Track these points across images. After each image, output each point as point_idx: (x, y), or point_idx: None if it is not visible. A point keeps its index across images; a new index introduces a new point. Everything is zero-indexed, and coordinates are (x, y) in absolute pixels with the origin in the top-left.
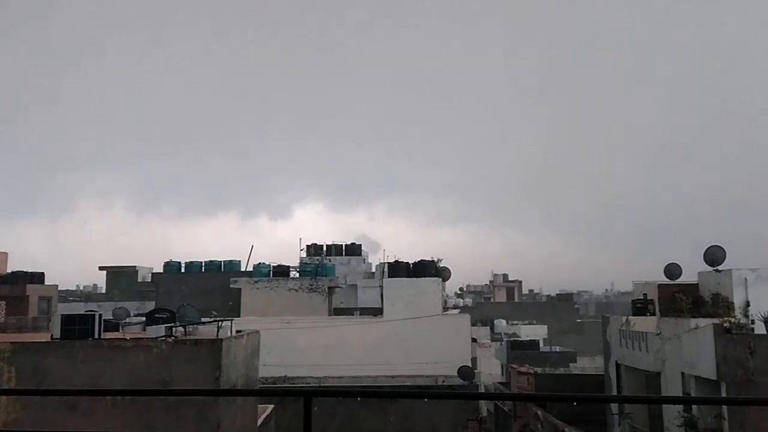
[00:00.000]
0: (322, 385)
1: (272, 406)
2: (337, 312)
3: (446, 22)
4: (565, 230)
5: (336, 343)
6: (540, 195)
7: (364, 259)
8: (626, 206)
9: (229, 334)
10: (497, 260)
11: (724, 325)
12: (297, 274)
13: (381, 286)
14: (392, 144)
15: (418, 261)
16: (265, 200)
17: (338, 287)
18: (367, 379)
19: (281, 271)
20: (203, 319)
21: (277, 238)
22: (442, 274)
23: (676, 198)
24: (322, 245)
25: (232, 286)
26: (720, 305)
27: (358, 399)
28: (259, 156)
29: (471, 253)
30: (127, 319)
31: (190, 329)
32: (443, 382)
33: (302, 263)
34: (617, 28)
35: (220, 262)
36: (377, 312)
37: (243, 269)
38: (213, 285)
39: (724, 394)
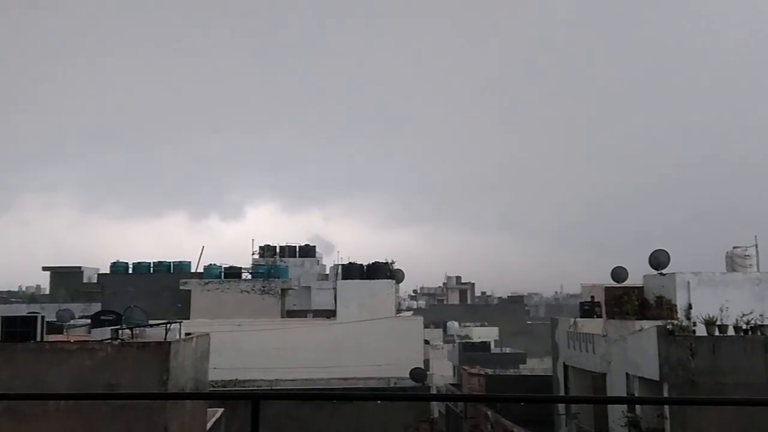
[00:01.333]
0: (273, 388)
1: (222, 409)
2: (290, 314)
3: (402, 20)
4: (518, 233)
5: (289, 345)
6: (494, 198)
7: (318, 261)
8: (577, 210)
9: (177, 336)
10: (451, 262)
11: (667, 327)
12: (249, 276)
13: (335, 288)
14: (348, 144)
15: (372, 263)
16: (215, 200)
17: (291, 289)
18: (320, 382)
19: (233, 273)
20: (151, 322)
21: (228, 238)
22: (396, 276)
23: (625, 203)
24: (275, 246)
25: (181, 287)
26: (664, 308)
27: (311, 401)
28: (210, 154)
29: (425, 255)
30: (72, 321)
31: (137, 332)
32: (395, 384)
33: (255, 264)
34: (570, 31)
35: (170, 263)
36: (331, 314)
37: (193, 270)
38: (162, 286)
39: (666, 395)
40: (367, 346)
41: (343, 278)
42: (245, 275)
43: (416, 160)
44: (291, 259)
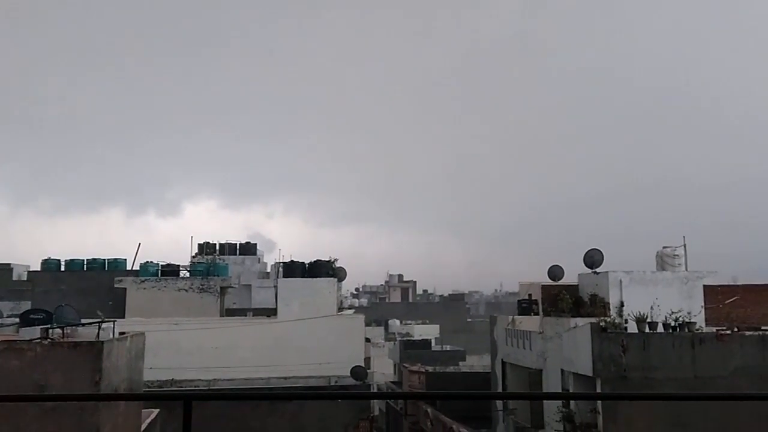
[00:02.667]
0: (211, 387)
1: (157, 410)
2: (230, 313)
3: (345, 17)
4: (460, 232)
5: (228, 344)
6: (436, 197)
7: (259, 259)
8: (517, 210)
9: (111, 336)
10: (393, 261)
11: (601, 324)
12: (187, 274)
13: (276, 287)
14: (290, 141)
15: (314, 261)
16: (153, 196)
17: (231, 287)
18: (259, 381)
19: (170, 271)
20: (83, 321)
21: (166, 235)
22: (338, 274)
23: (562, 203)
24: (215, 244)
25: (116, 285)
26: (597, 305)
27: (251, 401)
28: (148, 149)
29: (367, 253)
30: (0, 320)
31: (69, 331)
32: (336, 382)
33: (193, 262)
34: (515, 32)
35: (104, 260)
36: (271, 312)
37: (129, 268)
38: (95, 284)
39: (599, 390)
40: (308, 345)
41: (285, 276)
42: (183, 273)
43: (359, 158)
44: (231, 256)
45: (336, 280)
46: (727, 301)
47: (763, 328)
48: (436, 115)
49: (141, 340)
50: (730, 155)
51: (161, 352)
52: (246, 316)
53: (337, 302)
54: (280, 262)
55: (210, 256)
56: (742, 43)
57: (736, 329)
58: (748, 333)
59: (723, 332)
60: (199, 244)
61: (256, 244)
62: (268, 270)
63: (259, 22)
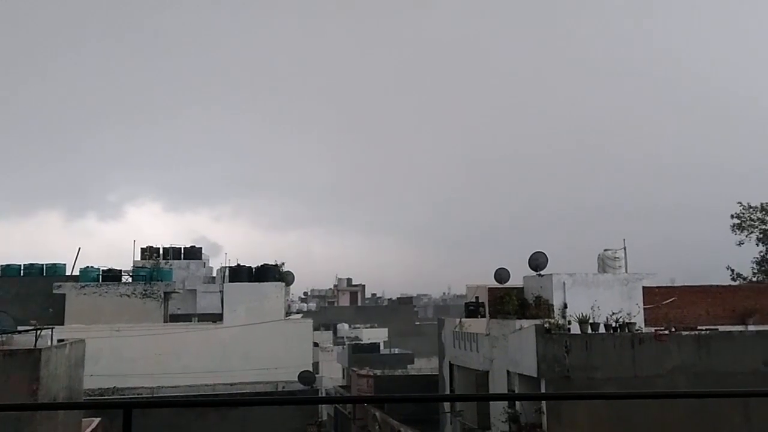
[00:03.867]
0: (155, 395)
1: (98, 419)
2: (174, 318)
3: (293, 21)
4: (409, 235)
5: (172, 351)
6: (386, 200)
7: (205, 263)
8: (465, 213)
9: (49, 343)
10: (342, 265)
11: (545, 325)
12: (130, 279)
13: (221, 291)
14: (238, 143)
15: (261, 265)
16: (93, 199)
17: (175, 292)
18: (204, 388)
19: (112, 276)
20: (20, 328)
21: (107, 239)
22: (286, 278)
23: (508, 206)
24: (158, 248)
25: (55, 291)
26: (542, 307)
27: (196, 408)
28: (86, 150)
29: (316, 257)
30: None
31: (4, 339)
32: (284, 387)
33: (136, 267)
34: (438, 39)
35: (42, 265)
36: (217, 318)
37: (68, 273)
38: (33, 290)
39: (543, 390)
40: (255, 350)
41: (231, 281)
42: (125, 278)
43: (307, 161)
44: (175, 261)
45: (283, 284)
46: (664, 302)
47: (699, 328)
48: (381, 117)
49: (81, 348)
50: (671, 158)
51: (103, 359)
52: (191, 321)
53: (285, 307)
54: (226, 267)
55: (153, 261)
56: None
57: (673, 329)
58: (684, 333)
59: (661, 332)
60: (142, 249)
61: (201, 248)
62: (214, 275)
63: (203, 19)
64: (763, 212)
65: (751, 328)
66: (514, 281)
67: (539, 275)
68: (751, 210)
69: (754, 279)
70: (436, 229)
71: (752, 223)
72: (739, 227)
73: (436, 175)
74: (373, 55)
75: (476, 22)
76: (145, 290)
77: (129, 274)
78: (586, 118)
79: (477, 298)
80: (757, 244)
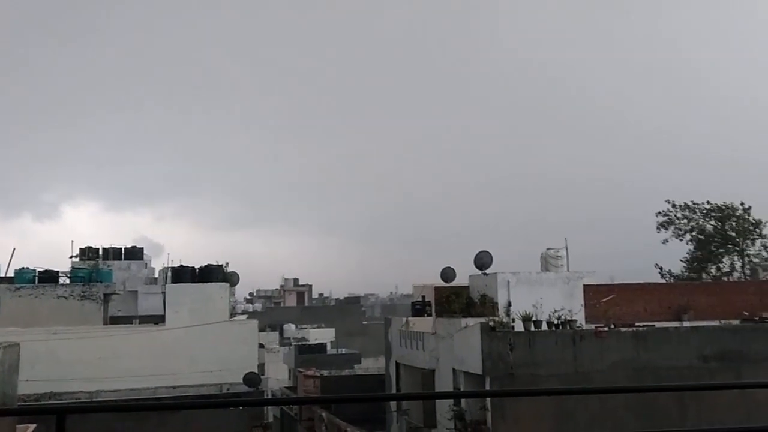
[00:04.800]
0: (94, 399)
1: (34, 425)
2: (115, 321)
3: (238, 19)
4: (356, 235)
5: (112, 354)
6: (332, 199)
7: (147, 264)
8: (412, 213)
9: None
10: (288, 265)
11: (490, 323)
12: (67, 280)
13: (164, 293)
14: (178, 143)
15: (205, 265)
16: (28, 198)
17: (116, 294)
18: (146, 391)
19: (48, 277)
20: None
21: (44, 240)
22: (231, 279)
23: (455, 205)
24: (97, 248)
25: None
26: (487, 305)
27: (137, 413)
28: (19, 147)
29: (262, 257)
30: None
31: None
32: (228, 389)
33: (74, 268)
34: (400, 36)
35: None
36: (159, 320)
37: (2, 275)
38: None
39: (488, 388)
40: (199, 352)
41: (174, 282)
42: (63, 280)
43: (253, 160)
44: (116, 261)
45: (228, 285)
46: (604, 300)
47: (636, 324)
48: (327, 115)
49: (15, 352)
50: (610, 160)
51: (39, 363)
52: (132, 323)
53: (230, 308)
54: (168, 267)
55: (92, 262)
56: (618, 48)
57: (612, 326)
58: (623, 329)
59: (601, 329)
60: (80, 249)
61: (142, 248)
62: (156, 275)
63: (142, 14)
64: (689, 211)
65: (686, 324)
66: (460, 280)
67: (484, 274)
68: (676, 209)
69: (684, 277)
70: (383, 228)
71: (678, 221)
72: (664, 225)
73: (382, 175)
74: (318, 52)
75: (425, 24)
76: (83, 292)
77: (67, 276)
78: (525, 119)
79: (423, 297)
80: (688, 243)
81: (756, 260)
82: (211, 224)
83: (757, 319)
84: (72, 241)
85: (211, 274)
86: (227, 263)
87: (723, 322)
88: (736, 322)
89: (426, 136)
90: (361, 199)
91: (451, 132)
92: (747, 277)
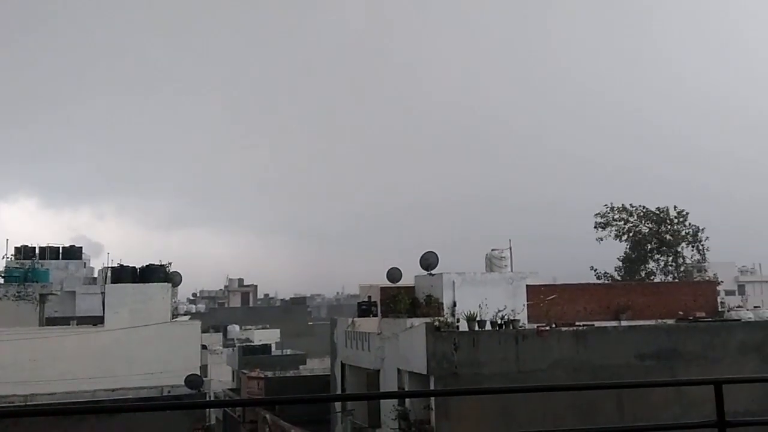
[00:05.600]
0: (29, 403)
1: None
2: (51, 322)
3: (162, 10)
4: (303, 235)
5: (48, 356)
6: (280, 199)
7: (85, 264)
8: (358, 213)
9: None
10: (234, 265)
11: (435, 324)
12: (1, 281)
13: (103, 293)
14: (120, 140)
15: (147, 265)
16: None
17: (52, 294)
18: (84, 394)
19: None
20: None
21: None
22: (173, 279)
23: (402, 207)
24: (34, 247)
25: None
26: (432, 306)
27: (73, 416)
28: None
29: (206, 257)
30: None
31: None
32: (169, 392)
33: (9, 267)
34: (351, 34)
35: None
36: (98, 321)
37: None
38: None
39: (432, 387)
40: (139, 354)
41: (113, 282)
42: None
43: (197, 159)
44: (53, 261)
45: (170, 285)
46: (546, 300)
47: (577, 323)
48: (273, 112)
49: None
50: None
51: None
52: (69, 325)
53: (172, 308)
54: (108, 267)
55: (28, 261)
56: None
57: (554, 325)
58: (564, 329)
59: (543, 328)
60: (15, 248)
61: (81, 247)
62: (96, 275)
63: (80, 11)
64: (626, 213)
65: (624, 323)
66: (406, 280)
67: (430, 275)
68: (614, 210)
69: (619, 277)
70: (330, 228)
71: (615, 222)
72: (602, 225)
73: (328, 174)
74: (257, 49)
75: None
76: (18, 292)
77: (1, 275)
78: (472, 122)
79: (370, 297)
80: (624, 243)
81: (689, 262)
82: (154, 223)
83: (691, 318)
84: (6, 240)
85: (153, 274)
86: (170, 263)
87: (659, 321)
88: (671, 321)
89: (367, 135)
90: (309, 199)
91: (393, 133)
92: (681, 279)
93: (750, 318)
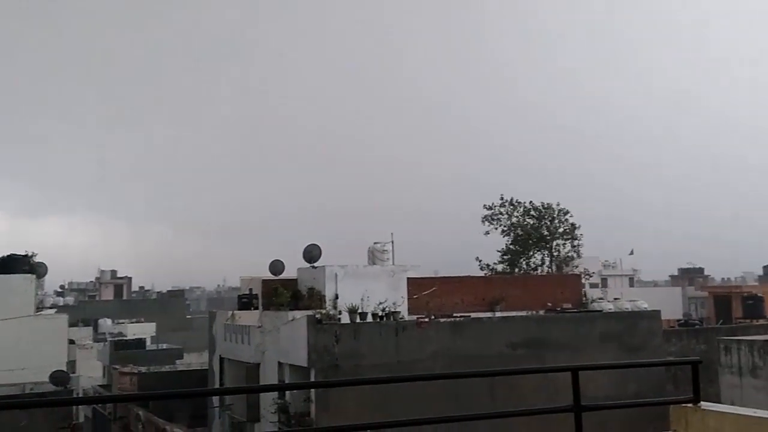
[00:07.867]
0: None
1: None
2: None
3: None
4: (180, 225)
5: None
6: (158, 188)
7: None
8: (240, 204)
9: None
10: (105, 256)
11: (316, 316)
12: None
13: None
14: None
15: (8, 255)
16: None
17: None
18: None
19: None
20: None
21: None
22: (37, 270)
23: (285, 198)
24: None
25: None
26: (315, 298)
27: None
28: None
29: (76, 247)
30: None
31: None
32: (32, 389)
33: None
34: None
35: None
36: None
37: None
38: None
39: (312, 379)
40: None
41: None
42: None
43: (65, 142)
44: None
45: (34, 276)
46: (425, 292)
47: (454, 315)
48: (150, 97)
49: None
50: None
51: None
52: None
53: (36, 301)
54: None
55: None
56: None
57: (433, 317)
58: (442, 320)
59: (422, 320)
60: None
61: None
62: None
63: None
64: (512, 207)
65: (498, 314)
66: (289, 273)
67: (313, 267)
68: (500, 204)
69: (499, 269)
70: (210, 219)
71: (499, 216)
72: (488, 219)
73: (209, 161)
74: (137, 34)
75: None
76: None
77: None
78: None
79: (251, 290)
80: (506, 237)
81: (562, 257)
82: (16, 210)
83: (558, 309)
84: None
85: (14, 264)
86: (34, 253)
87: (529, 312)
88: (541, 312)
89: (254, 123)
90: (189, 188)
91: (280, 122)
92: (553, 272)
93: (610, 309)
